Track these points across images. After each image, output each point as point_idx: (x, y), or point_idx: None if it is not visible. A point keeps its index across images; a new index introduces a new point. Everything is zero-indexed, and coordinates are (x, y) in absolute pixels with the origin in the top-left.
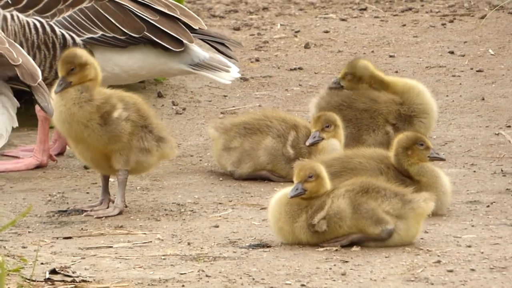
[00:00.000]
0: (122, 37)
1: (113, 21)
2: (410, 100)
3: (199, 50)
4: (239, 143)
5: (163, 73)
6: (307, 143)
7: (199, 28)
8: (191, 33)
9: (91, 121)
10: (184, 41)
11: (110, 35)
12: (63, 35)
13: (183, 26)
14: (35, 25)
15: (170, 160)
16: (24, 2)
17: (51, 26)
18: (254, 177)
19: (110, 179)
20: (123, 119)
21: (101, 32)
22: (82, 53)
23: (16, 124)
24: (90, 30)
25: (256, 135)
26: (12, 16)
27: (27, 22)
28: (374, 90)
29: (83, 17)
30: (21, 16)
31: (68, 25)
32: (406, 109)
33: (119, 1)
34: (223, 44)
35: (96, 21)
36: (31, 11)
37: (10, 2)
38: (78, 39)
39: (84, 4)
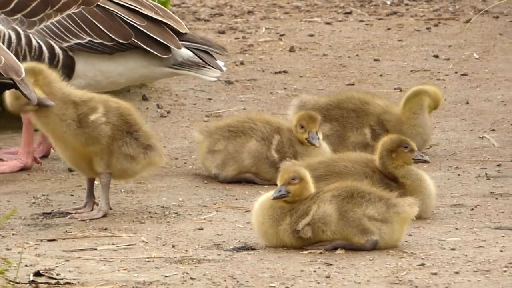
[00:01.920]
0: (110, 43)
1: (101, 27)
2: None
3: (182, 49)
4: (223, 146)
5: (145, 77)
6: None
7: (185, 32)
8: (178, 38)
9: (66, 117)
10: (172, 47)
11: (98, 41)
12: (39, 46)
13: (170, 32)
14: (10, 37)
15: None
16: (11, 6)
17: (28, 38)
18: (239, 180)
19: (95, 182)
20: (100, 123)
21: (88, 38)
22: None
23: None
24: (78, 36)
25: (240, 137)
26: None
27: (3, 34)
28: (367, 94)
29: (70, 23)
30: (1, 27)
31: (56, 30)
32: (385, 123)
33: (107, 7)
34: (208, 52)
35: (84, 27)
36: (18, 15)
37: None
38: (57, 49)
39: (72, 10)
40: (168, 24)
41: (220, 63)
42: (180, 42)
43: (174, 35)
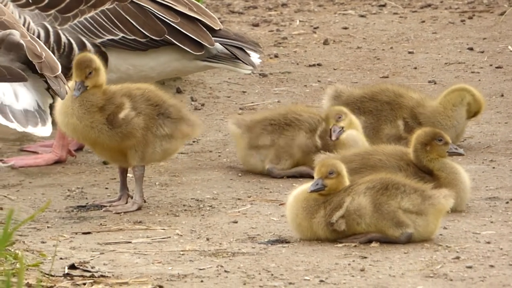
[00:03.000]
0: (143, 40)
1: (134, 23)
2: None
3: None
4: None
5: (178, 71)
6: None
7: (219, 29)
8: (211, 34)
9: (97, 124)
10: (205, 44)
11: (131, 38)
12: (69, 43)
13: (204, 28)
14: (38, 34)
15: (189, 156)
16: (46, 1)
17: (57, 34)
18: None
19: (128, 175)
20: (131, 117)
21: (121, 34)
22: (95, 58)
23: (51, 100)
24: (111, 32)
25: (288, 131)
26: (24, 23)
27: (33, 31)
28: (401, 87)
29: (104, 19)
30: (32, 24)
31: (89, 26)
32: (421, 116)
33: (140, 3)
34: (241, 48)
35: (118, 23)
36: (52, 11)
37: (31, 1)
38: (89, 45)
39: (106, 6)
40: (202, 21)
41: (255, 55)
42: (214, 38)
43: (208, 32)
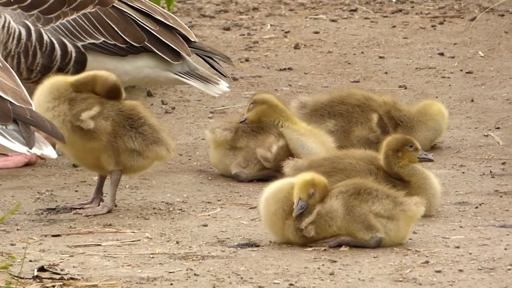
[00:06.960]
0: (123, 45)
1: (115, 28)
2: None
3: (189, 60)
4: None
5: (149, 79)
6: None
7: (194, 41)
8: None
9: (60, 115)
10: (182, 53)
11: (112, 43)
12: (51, 43)
13: (181, 39)
14: (20, 33)
15: None
16: (29, 1)
17: (39, 33)
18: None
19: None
20: (95, 119)
21: (102, 39)
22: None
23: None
24: (92, 36)
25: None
26: (3, 25)
27: (14, 30)
28: (368, 91)
29: (86, 22)
30: (12, 23)
31: (71, 29)
32: (399, 116)
33: (122, 9)
34: (216, 61)
35: (99, 27)
36: (35, 11)
37: (12, 0)
38: (70, 46)
39: (88, 9)
40: (179, 31)
41: (224, 82)
42: (190, 48)
43: (184, 42)
